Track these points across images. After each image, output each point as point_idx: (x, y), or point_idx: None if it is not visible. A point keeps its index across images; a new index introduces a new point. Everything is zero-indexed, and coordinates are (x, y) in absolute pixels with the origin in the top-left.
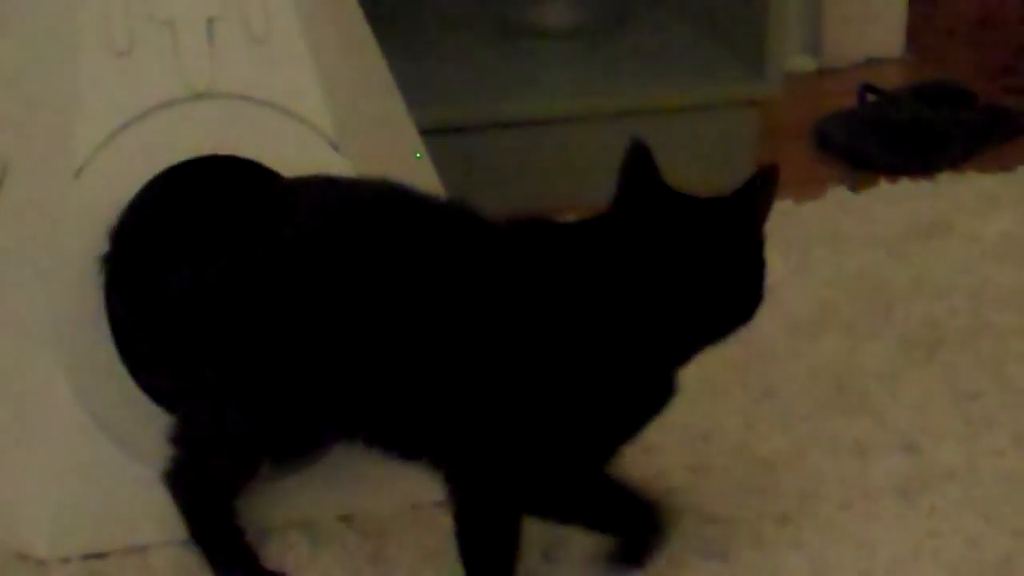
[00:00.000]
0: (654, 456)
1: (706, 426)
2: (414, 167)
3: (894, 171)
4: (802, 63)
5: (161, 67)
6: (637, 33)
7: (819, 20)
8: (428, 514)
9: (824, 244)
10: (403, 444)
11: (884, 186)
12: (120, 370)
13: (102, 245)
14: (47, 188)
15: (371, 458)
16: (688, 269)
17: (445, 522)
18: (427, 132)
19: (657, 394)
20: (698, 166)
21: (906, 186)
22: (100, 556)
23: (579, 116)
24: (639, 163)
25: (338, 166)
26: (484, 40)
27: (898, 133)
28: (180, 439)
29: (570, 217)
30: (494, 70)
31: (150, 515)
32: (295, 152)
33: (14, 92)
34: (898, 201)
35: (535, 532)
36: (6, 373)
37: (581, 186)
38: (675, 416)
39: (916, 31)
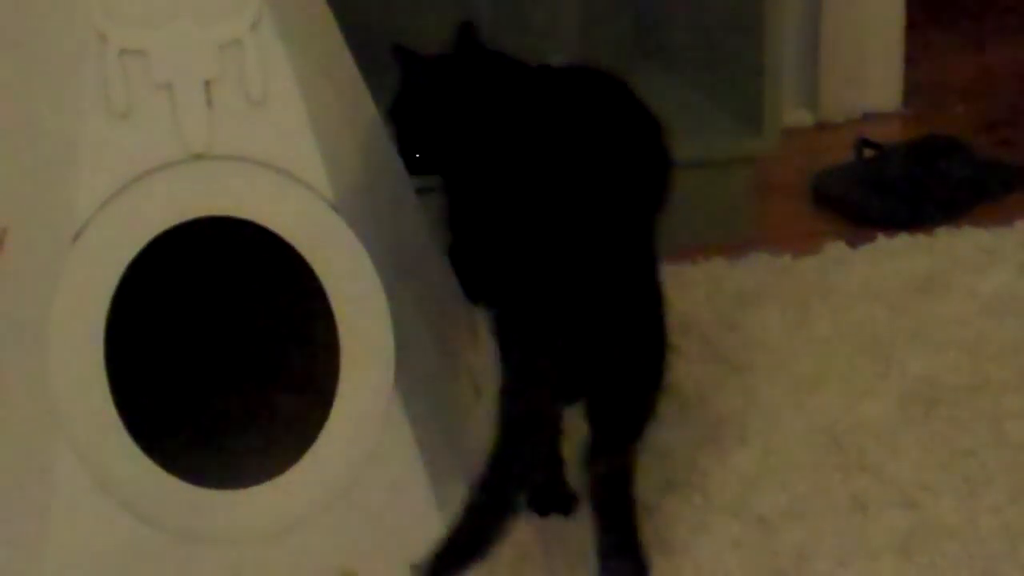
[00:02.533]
0: (652, 513)
1: (704, 482)
2: (412, 227)
3: (892, 226)
4: (799, 117)
5: (159, 129)
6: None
7: (816, 75)
8: None
9: (822, 299)
10: None
11: (882, 241)
12: (123, 433)
13: (101, 308)
14: (46, 252)
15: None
16: None
17: None
18: (421, 190)
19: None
20: (695, 221)
21: (904, 241)
22: None
23: None
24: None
25: (336, 227)
26: None
27: (895, 187)
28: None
29: None
30: None
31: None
32: (294, 213)
33: (14, 155)
34: (896, 256)
35: None
36: (7, 441)
37: None
38: (673, 473)
39: (913, 86)
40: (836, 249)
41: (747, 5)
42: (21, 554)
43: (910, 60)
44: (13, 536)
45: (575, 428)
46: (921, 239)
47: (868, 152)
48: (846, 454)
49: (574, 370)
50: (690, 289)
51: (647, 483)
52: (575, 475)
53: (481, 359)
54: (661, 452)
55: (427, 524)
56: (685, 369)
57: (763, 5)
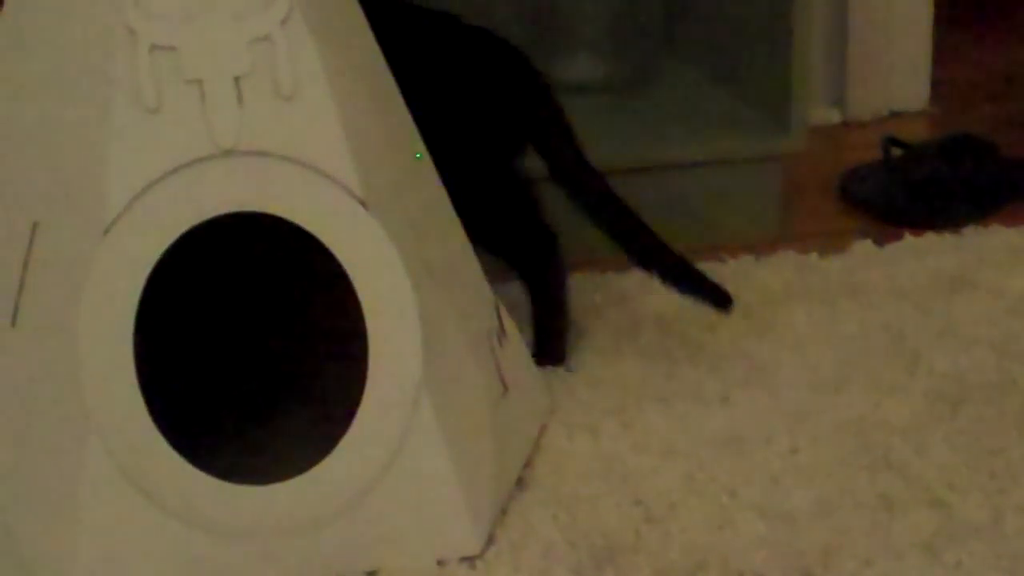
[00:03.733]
0: (679, 511)
1: (730, 481)
2: (440, 223)
3: (919, 224)
4: (826, 115)
5: (189, 125)
6: (662, 88)
7: (843, 73)
8: (453, 570)
9: (849, 298)
10: None
11: (909, 240)
12: (152, 428)
13: (130, 302)
14: (76, 246)
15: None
16: None
17: None
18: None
19: None
20: (722, 220)
21: (931, 240)
22: None
23: (604, 170)
24: None
25: (365, 223)
26: None
27: (923, 186)
28: None
29: None
30: None
31: (182, 569)
32: (322, 209)
33: (44, 151)
34: (923, 255)
35: None
36: (38, 434)
37: (591, 241)
38: (700, 471)
39: (940, 85)
40: (863, 248)
41: (776, 4)
42: (52, 549)
43: (937, 59)
44: (43, 530)
45: None
46: (948, 238)
47: (895, 151)
48: (872, 452)
49: None
50: None
51: (672, 481)
52: None
53: (508, 356)
54: (685, 451)
55: (454, 520)
56: (711, 365)
57: (791, 5)
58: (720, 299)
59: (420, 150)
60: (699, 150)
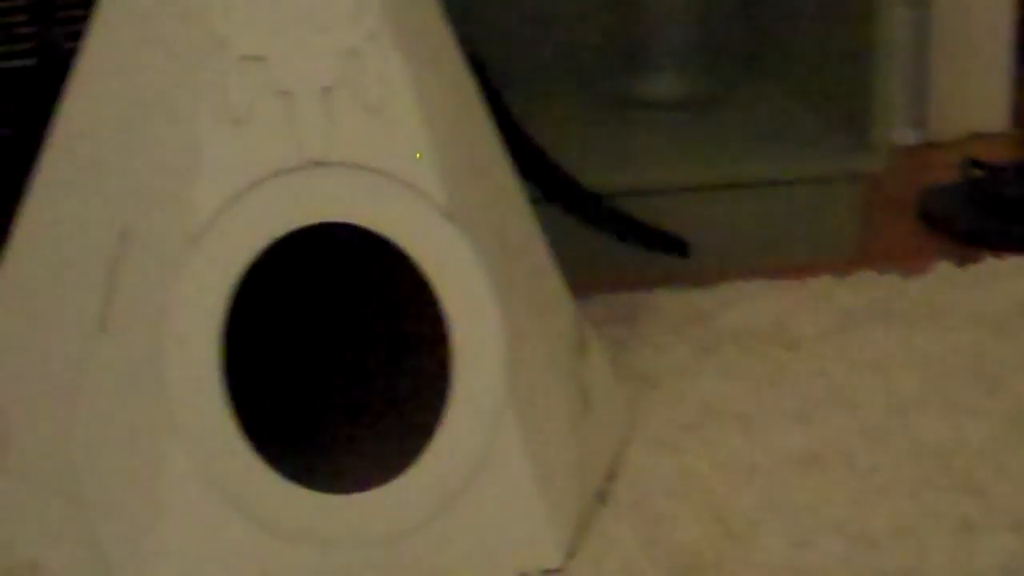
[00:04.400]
0: (759, 529)
1: (810, 500)
2: (524, 236)
3: (1000, 246)
4: (906, 136)
5: (277, 135)
6: (743, 105)
7: (924, 93)
8: None
9: (929, 319)
10: None
11: (990, 262)
12: (237, 435)
13: (217, 311)
14: (164, 254)
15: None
16: None
17: None
18: (533, 200)
19: None
20: (801, 238)
21: (1012, 262)
22: None
23: (683, 187)
24: None
25: (450, 235)
26: (589, 110)
27: (1003, 208)
28: None
29: None
30: (598, 140)
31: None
32: (408, 221)
33: (133, 159)
34: (1004, 277)
35: None
36: (123, 438)
37: (674, 260)
38: (780, 490)
39: (1021, 106)
40: (943, 269)
41: (858, 24)
42: (133, 551)
43: (1018, 81)
44: (126, 532)
45: None
46: None
47: (976, 172)
48: (952, 474)
49: None
50: (797, 306)
51: (752, 499)
52: None
53: (591, 372)
54: (765, 469)
55: (536, 533)
56: (791, 384)
57: (874, 24)
58: (674, 245)
59: (485, 157)
60: (779, 168)
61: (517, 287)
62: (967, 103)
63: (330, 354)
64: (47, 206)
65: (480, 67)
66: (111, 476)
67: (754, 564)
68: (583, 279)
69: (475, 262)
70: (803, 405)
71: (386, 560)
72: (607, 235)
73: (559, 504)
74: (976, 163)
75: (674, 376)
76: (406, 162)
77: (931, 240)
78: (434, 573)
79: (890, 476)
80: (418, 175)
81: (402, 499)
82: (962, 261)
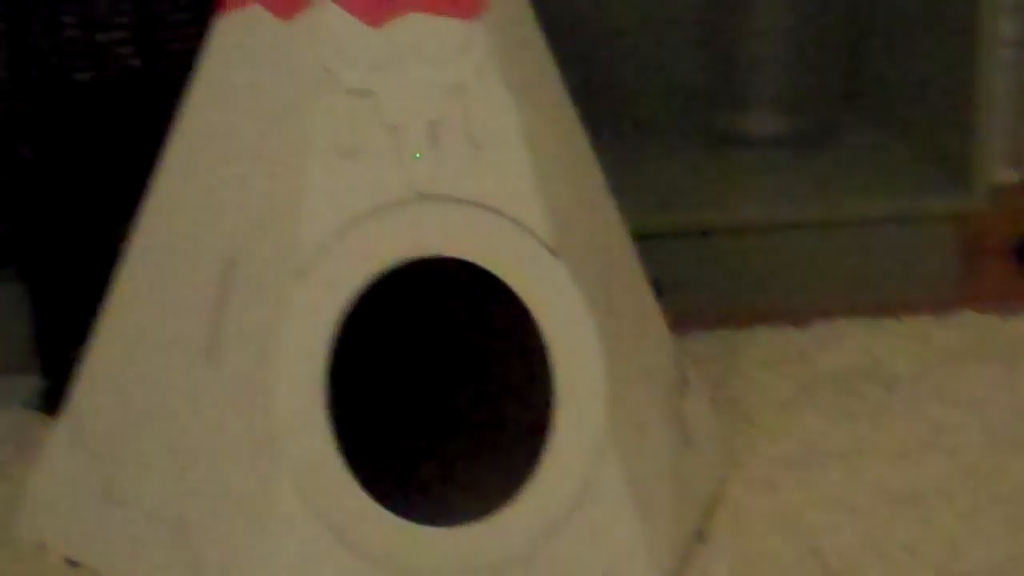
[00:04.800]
0: (858, 568)
1: (909, 539)
2: (626, 273)
3: None
4: (1005, 176)
5: (384, 168)
6: (842, 143)
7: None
8: None
9: None
10: None
11: None
12: (342, 467)
13: (323, 343)
14: (270, 285)
15: None
16: None
17: None
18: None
19: None
20: (899, 277)
21: None
22: None
23: (781, 225)
24: None
25: (554, 270)
26: (690, 147)
27: None
28: None
29: None
30: (699, 177)
31: None
32: (512, 256)
33: (242, 190)
34: None
35: None
36: (230, 470)
37: (782, 293)
38: (879, 529)
39: None
40: None
41: (959, 63)
42: None
43: None
44: (230, 562)
45: None
46: None
47: None
48: None
49: None
50: (895, 345)
51: (851, 538)
52: None
53: (690, 408)
54: (864, 508)
55: (635, 570)
56: (888, 425)
57: (974, 63)
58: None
59: (589, 191)
60: (878, 207)
61: (619, 323)
62: None
63: (433, 386)
64: (157, 233)
65: None
66: (216, 505)
67: None
68: (682, 316)
69: (578, 298)
70: (901, 444)
71: None
72: None
73: (658, 540)
74: None
75: (772, 413)
76: (511, 197)
77: None
78: None
79: (988, 517)
80: (523, 210)
81: (504, 532)
82: None
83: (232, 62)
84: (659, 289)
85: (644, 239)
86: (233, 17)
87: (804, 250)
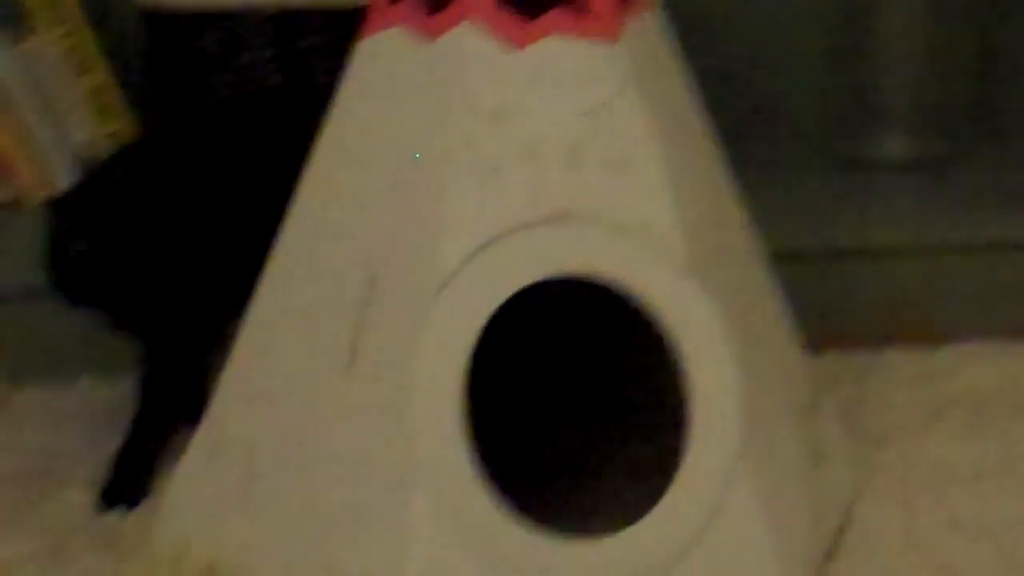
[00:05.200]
0: None
1: None
2: (760, 293)
3: None
4: None
5: (523, 189)
6: (973, 166)
7: None
8: None
9: None
10: None
11: None
12: (480, 483)
13: (461, 358)
14: (411, 300)
15: None
16: None
17: None
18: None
19: None
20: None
21: None
22: None
23: (914, 248)
24: None
25: (690, 291)
26: (821, 171)
27: None
28: None
29: None
30: (831, 201)
31: None
32: (649, 276)
33: (382, 208)
34: None
35: None
36: (367, 476)
37: (914, 315)
38: (1014, 551)
39: None
40: None
41: None
42: None
43: None
44: (367, 568)
45: None
46: None
47: None
48: None
49: None
50: None
51: (984, 559)
52: None
53: (822, 428)
54: (997, 530)
55: None
56: (1022, 449)
57: None
58: None
59: (725, 212)
60: (1008, 230)
61: (754, 343)
62: None
63: (567, 402)
64: (298, 249)
65: None
66: (354, 514)
67: None
68: (814, 337)
69: (714, 317)
70: None
71: None
72: None
73: (791, 557)
74: None
75: (904, 436)
76: (649, 217)
77: None
78: None
79: None
80: (660, 230)
81: (637, 547)
82: None
83: (375, 82)
84: None
85: (777, 260)
86: (377, 39)
87: (937, 273)
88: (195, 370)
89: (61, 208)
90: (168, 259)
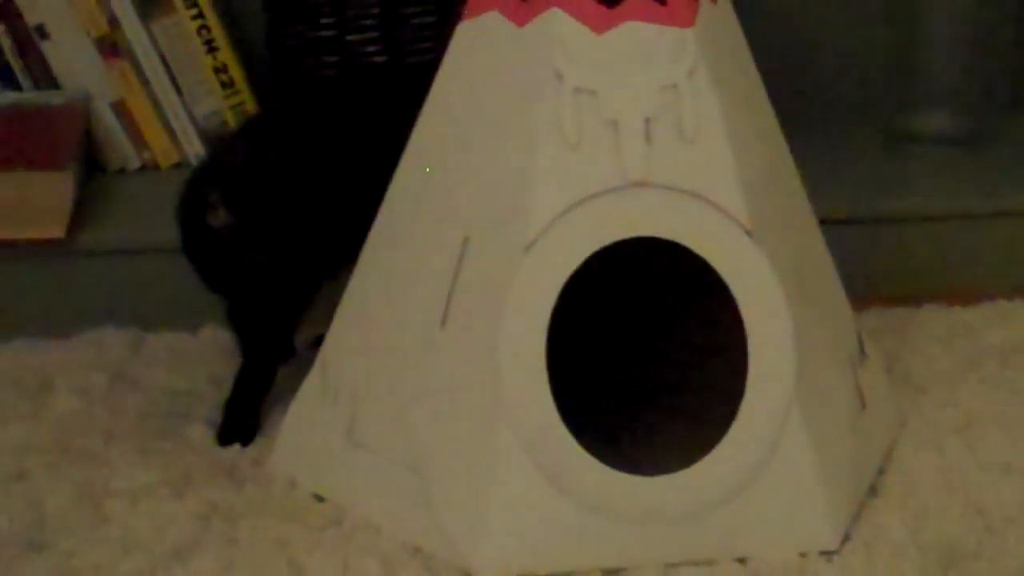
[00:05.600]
0: (1017, 524)
1: None
2: (814, 252)
3: None
4: None
5: (604, 159)
6: (1007, 141)
7: None
8: (813, 562)
9: None
10: None
11: None
12: (560, 423)
13: (546, 311)
14: (501, 260)
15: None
16: None
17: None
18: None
19: None
20: None
21: None
22: None
23: (952, 214)
24: None
25: (750, 251)
26: (866, 144)
27: None
28: None
29: None
30: (878, 172)
31: (576, 546)
32: (715, 238)
33: (477, 176)
34: None
35: None
36: (459, 417)
37: (952, 275)
38: None
39: None
40: None
41: None
42: (465, 517)
43: None
44: (459, 500)
45: None
46: None
47: None
48: None
49: None
50: None
51: (1011, 496)
52: None
53: (867, 376)
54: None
55: (816, 518)
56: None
57: None
58: None
59: (783, 180)
60: None
61: (807, 298)
62: None
63: (639, 352)
64: (400, 214)
65: None
66: (448, 451)
67: (1012, 555)
68: (861, 294)
69: (772, 276)
70: None
71: (686, 536)
72: None
73: (837, 493)
74: None
75: (941, 384)
76: (715, 186)
77: None
78: (726, 549)
79: None
80: (725, 198)
81: (700, 483)
82: None
83: (471, 62)
84: None
85: (829, 224)
86: (475, 22)
87: (971, 237)
88: (291, 320)
89: (201, 177)
90: (288, 225)
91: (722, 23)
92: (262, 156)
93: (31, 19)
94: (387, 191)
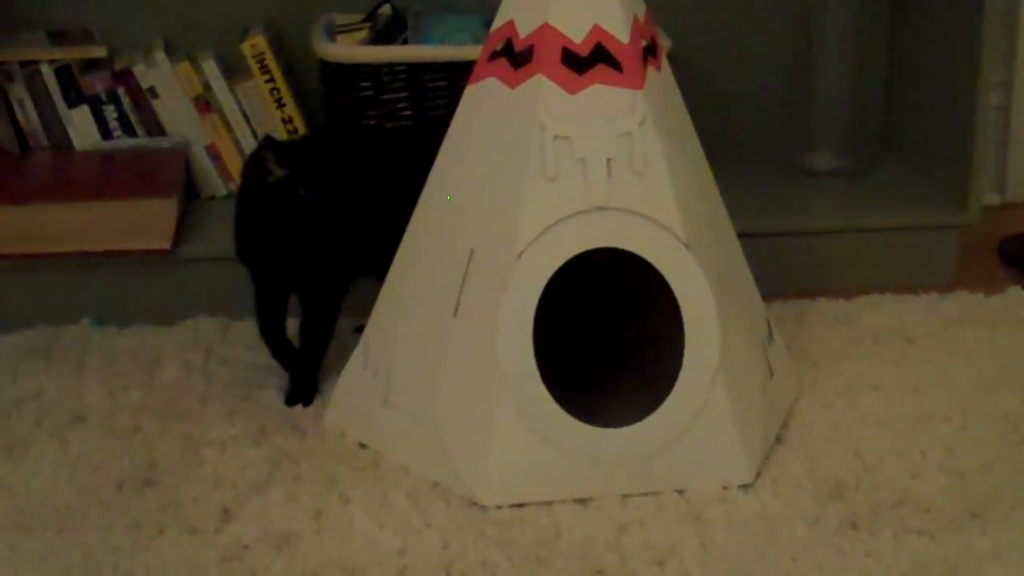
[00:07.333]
0: (886, 465)
1: (921, 446)
2: (733, 257)
3: None
4: (990, 198)
5: (575, 189)
6: (876, 174)
7: (1005, 164)
8: (734, 493)
9: (1006, 324)
10: None
11: None
12: (543, 388)
13: (532, 303)
14: (498, 265)
15: None
16: None
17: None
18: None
19: None
20: (917, 267)
21: None
22: (519, 506)
23: (836, 230)
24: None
25: (686, 257)
26: (772, 176)
27: None
28: None
29: None
30: (782, 196)
31: (556, 480)
32: (660, 249)
33: (480, 202)
34: None
35: None
36: (468, 384)
37: (837, 276)
38: (901, 438)
39: None
40: (1015, 292)
41: (960, 113)
42: (472, 460)
43: None
44: (467, 448)
45: None
46: None
47: None
48: (1021, 432)
49: None
50: (914, 313)
51: (882, 444)
52: None
53: (774, 352)
54: (891, 424)
55: (736, 460)
56: (909, 366)
57: (974, 114)
58: None
59: (709, 202)
60: (903, 220)
61: (729, 292)
62: None
63: (604, 335)
64: (424, 231)
65: None
66: (460, 411)
67: (882, 487)
68: (770, 289)
69: (703, 277)
70: (917, 381)
71: (639, 472)
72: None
73: (751, 441)
74: None
75: (830, 359)
76: (659, 208)
77: (1007, 272)
78: (668, 482)
79: (976, 432)
80: (666, 218)
81: (649, 434)
82: None
83: (476, 117)
84: None
85: (744, 237)
86: (478, 86)
87: (854, 247)
88: (335, 307)
89: (261, 147)
90: (328, 183)
91: (665, 84)
92: (307, 140)
93: (145, 83)
94: (412, 215)
